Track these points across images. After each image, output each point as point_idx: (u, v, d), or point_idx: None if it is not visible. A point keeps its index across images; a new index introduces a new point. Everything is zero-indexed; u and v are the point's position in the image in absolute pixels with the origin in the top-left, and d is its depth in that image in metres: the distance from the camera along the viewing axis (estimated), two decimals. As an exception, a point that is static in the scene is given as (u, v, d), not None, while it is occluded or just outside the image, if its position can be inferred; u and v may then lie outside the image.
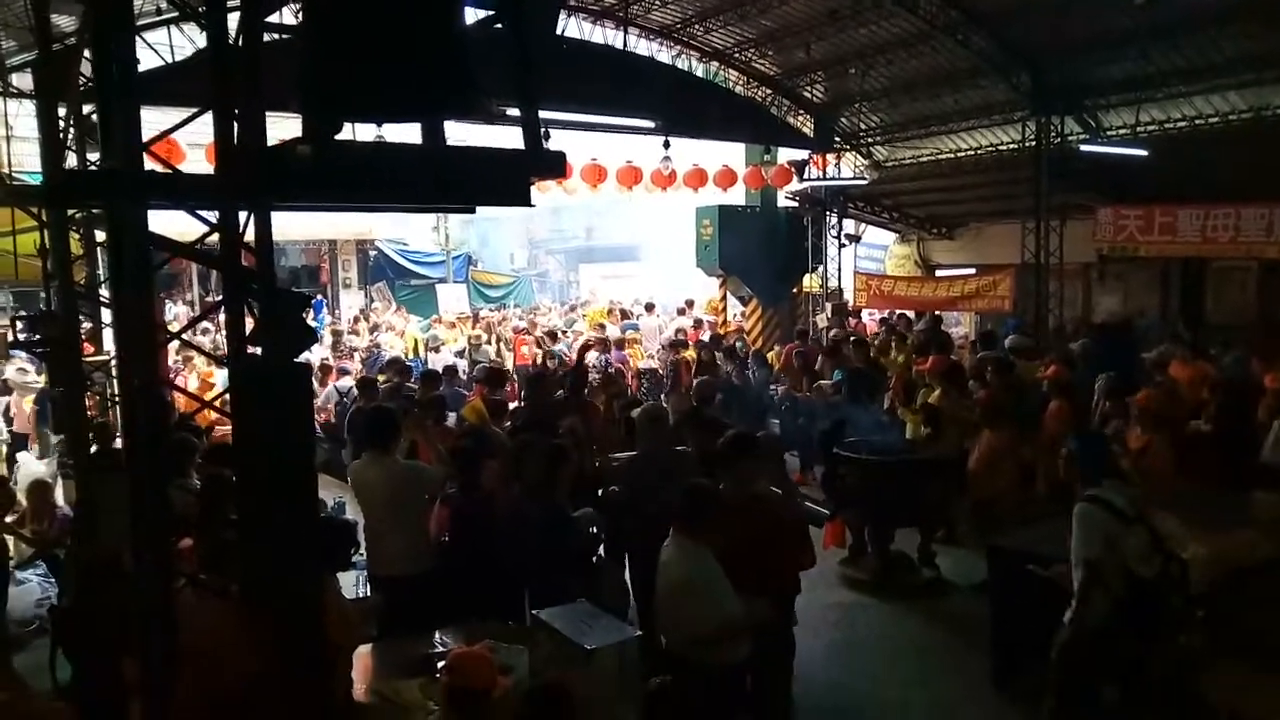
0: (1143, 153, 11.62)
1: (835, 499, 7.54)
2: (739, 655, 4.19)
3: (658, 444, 5.84)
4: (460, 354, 14.79)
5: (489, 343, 15.35)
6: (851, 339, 12.65)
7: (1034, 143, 13.06)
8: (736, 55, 15.03)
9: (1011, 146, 13.94)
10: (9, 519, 6.72)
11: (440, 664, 3.81)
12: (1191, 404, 8.09)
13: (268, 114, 2.70)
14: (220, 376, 10.43)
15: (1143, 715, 4.89)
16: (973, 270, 16.16)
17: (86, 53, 5.40)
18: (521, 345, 15.66)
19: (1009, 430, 7.26)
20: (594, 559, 5.39)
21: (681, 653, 4.10)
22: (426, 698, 3.80)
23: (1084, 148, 12.12)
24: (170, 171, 3.22)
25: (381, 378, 10.65)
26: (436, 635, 4.45)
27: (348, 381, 11.85)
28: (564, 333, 16.65)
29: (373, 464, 5.33)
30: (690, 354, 12.61)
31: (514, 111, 2.74)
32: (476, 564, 5.11)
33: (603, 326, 16.70)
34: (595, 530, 5.47)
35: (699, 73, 15.43)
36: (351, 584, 5.59)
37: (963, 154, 15.03)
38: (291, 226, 17.82)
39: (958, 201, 16.90)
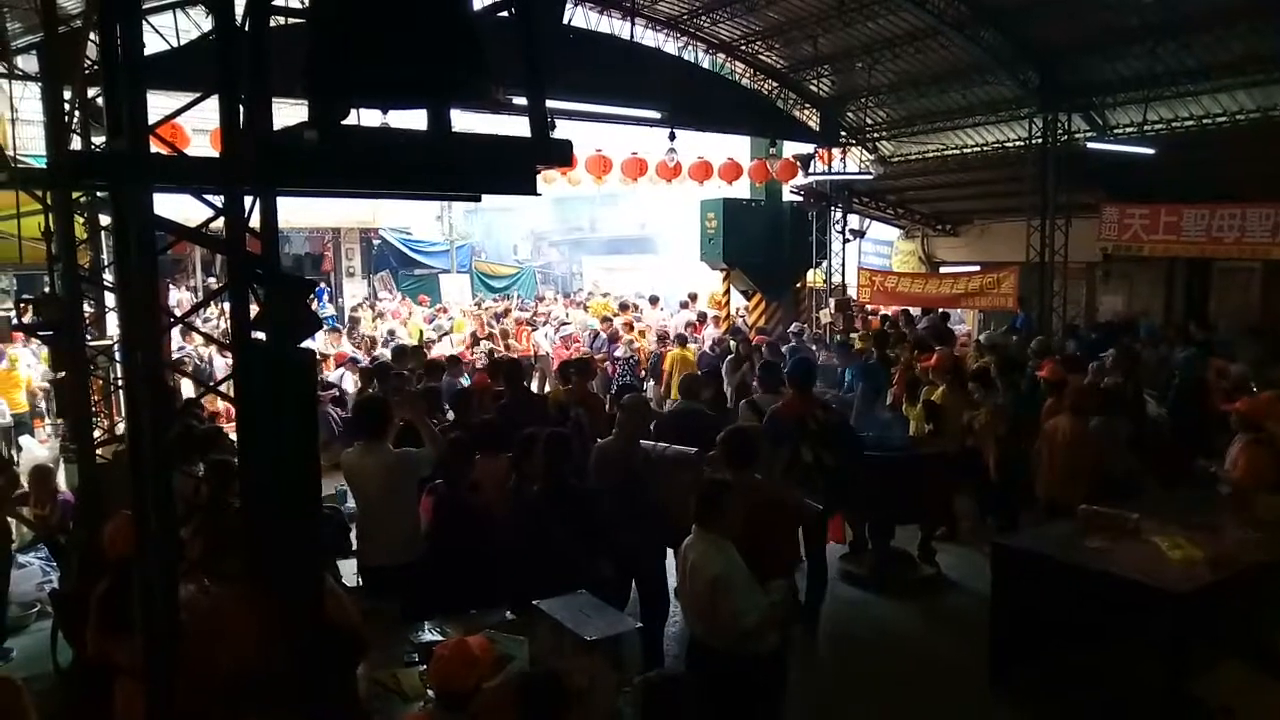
0: (1149, 151, 11.56)
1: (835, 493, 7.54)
2: (776, 641, 4.17)
3: (637, 435, 5.84)
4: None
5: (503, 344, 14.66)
6: (857, 334, 12.63)
7: (1041, 140, 13.02)
8: (743, 47, 14.99)
9: (1018, 143, 13.90)
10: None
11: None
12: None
13: (274, 99, 2.68)
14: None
15: (1136, 714, 4.92)
16: (977, 268, 16.12)
17: (92, 35, 5.38)
18: (525, 336, 15.64)
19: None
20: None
21: (724, 647, 4.02)
22: (427, 686, 3.80)
23: (1091, 145, 12.07)
24: (175, 155, 3.20)
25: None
26: (436, 624, 4.45)
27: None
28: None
29: (366, 453, 5.32)
30: (686, 353, 12.35)
31: (520, 100, 2.71)
32: (457, 556, 5.09)
33: (609, 320, 16.69)
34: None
35: (705, 65, 15.39)
36: (351, 573, 5.61)
37: (969, 150, 14.98)
38: (295, 214, 17.80)
39: (963, 198, 16.87)
